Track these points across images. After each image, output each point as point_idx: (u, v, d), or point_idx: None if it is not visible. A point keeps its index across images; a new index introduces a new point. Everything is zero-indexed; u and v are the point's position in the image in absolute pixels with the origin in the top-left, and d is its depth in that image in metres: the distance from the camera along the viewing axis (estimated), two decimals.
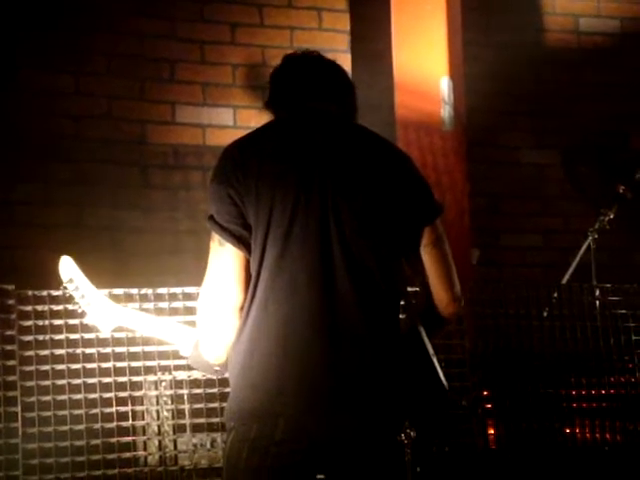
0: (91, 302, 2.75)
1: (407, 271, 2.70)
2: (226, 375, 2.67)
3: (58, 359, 3.95)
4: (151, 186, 5.20)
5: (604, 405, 4.43)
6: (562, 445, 4.38)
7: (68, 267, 2.74)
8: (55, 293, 3.81)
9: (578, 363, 4.47)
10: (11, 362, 3.92)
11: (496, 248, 5.89)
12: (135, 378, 4.03)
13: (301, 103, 2.70)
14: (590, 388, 4.42)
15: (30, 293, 3.96)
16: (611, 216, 5.26)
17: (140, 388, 4.05)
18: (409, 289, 2.73)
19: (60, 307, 3.92)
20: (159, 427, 4.05)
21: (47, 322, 3.96)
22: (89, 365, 3.97)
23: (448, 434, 3.98)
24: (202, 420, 4.05)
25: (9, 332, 3.94)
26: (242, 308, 2.57)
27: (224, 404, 2.63)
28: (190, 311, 3.77)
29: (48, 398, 3.91)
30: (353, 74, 5.27)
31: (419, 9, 5.33)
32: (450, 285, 2.70)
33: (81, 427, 3.93)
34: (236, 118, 5.32)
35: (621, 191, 5.26)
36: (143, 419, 4.05)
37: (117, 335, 3.94)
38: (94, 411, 3.96)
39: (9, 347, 3.93)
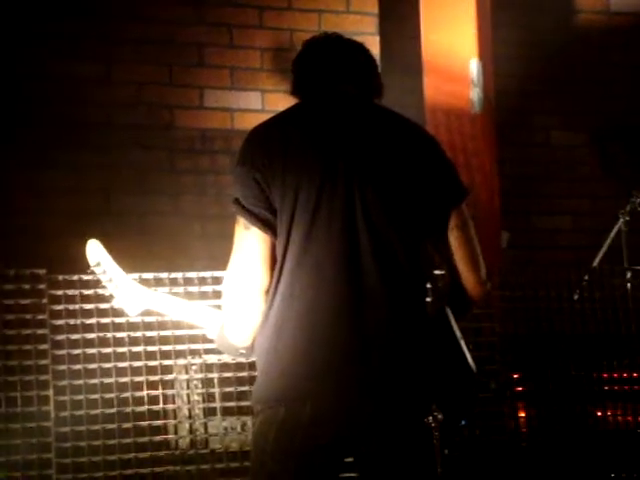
0: (119, 285, 2.75)
1: (433, 255, 2.69)
2: (253, 358, 2.68)
3: (89, 343, 3.98)
4: (179, 171, 5.21)
5: (636, 388, 4.41)
6: (593, 428, 4.36)
7: (95, 250, 2.74)
8: (86, 277, 3.83)
9: (609, 346, 4.44)
10: (43, 346, 3.95)
11: (526, 230, 5.87)
12: (166, 362, 4.05)
13: (325, 87, 2.68)
14: (621, 371, 4.39)
15: (61, 278, 3.99)
16: None
17: (171, 372, 4.07)
18: (436, 272, 2.71)
19: (91, 291, 3.95)
20: (190, 410, 4.07)
21: (78, 306, 3.99)
22: (120, 349, 4.00)
23: (477, 417, 3.98)
24: (232, 403, 4.07)
25: (41, 316, 3.97)
26: (268, 291, 2.57)
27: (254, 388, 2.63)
28: (219, 295, 3.73)
29: (80, 382, 3.95)
30: (381, 57, 5.25)
31: None
32: (476, 268, 2.68)
33: (112, 411, 3.96)
34: (264, 102, 5.31)
35: None
36: (174, 403, 4.07)
37: (147, 319, 3.97)
38: (125, 395, 3.98)
39: (41, 331, 3.96)
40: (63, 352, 3.96)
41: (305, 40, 2.75)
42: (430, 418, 2.50)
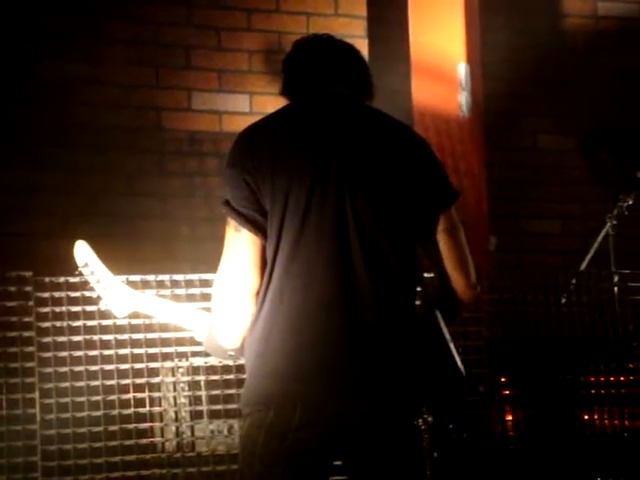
0: (106, 286, 2.74)
1: (423, 258, 2.68)
2: (242, 361, 2.67)
3: (76, 345, 3.96)
4: (167, 173, 5.20)
5: (623, 391, 4.41)
6: (580, 432, 4.37)
7: (83, 251, 2.73)
8: (72, 280, 3.82)
9: (597, 349, 4.45)
10: (29, 348, 3.94)
11: (514, 234, 5.87)
12: (152, 365, 4.04)
13: (315, 88, 2.67)
14: (609, 374, 4.40)
15: (47, 280, 3.98)
16: (630, 202, 5.22)
17: (157, 375, 4.06)
18: (425, 275, 2.71)
19: (77, 294, 3.93)
20: (176, 413, 4.06)
21: (64, 309, 3.98)
22: (107, 352, 3.99)
23: (465, 420, 3.98)
24: (219, 407, 4.06)
25: (27, 319, 3.95)
26: (258, 294, 2.56)
27: (241, 390, 2.62)
28: (207, 298, 3.76)
29: (66, 384, 3.93)
30: (370, 60, 5.21)
31: None
32: (466, 272, 2.68)
33: (99, 413, 3.95)
34: (252, 104, 5.31)
35: None
36: (160, 405, 4.06)
37: (134, 322, 3.96)
38: (111, 397, 3.97)
39: (27, 333, 3.94)
40: (49, 354, 3.94)
41: (296, 40, 2.74)
42: (420, 420, 2.49)
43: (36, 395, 3.90)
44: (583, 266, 5.10)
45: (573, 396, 4.38)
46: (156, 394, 4.06)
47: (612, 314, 4.49)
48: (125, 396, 3.99)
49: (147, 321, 3.95)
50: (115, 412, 3.96)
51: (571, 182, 6.03)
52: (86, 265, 2.73)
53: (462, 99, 5.27)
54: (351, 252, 2.52)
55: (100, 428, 3.94)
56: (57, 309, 3.97)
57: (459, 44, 5.28)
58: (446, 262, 2.66)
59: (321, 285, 2.51)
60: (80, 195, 5.02)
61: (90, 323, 3.97)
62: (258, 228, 2.53)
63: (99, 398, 3.95)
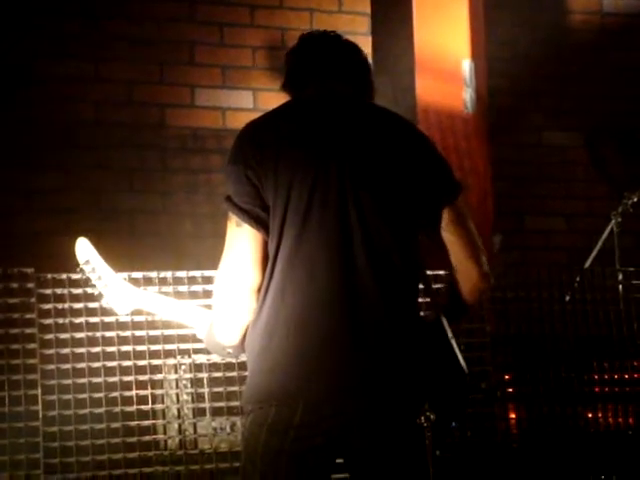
0: (108, 284, 2.73)
1: (433, 253, 2.67)
2: (243, 358, 2.66)
3: (78, 342, 3.95)
4: (170, 170, 5.19)
5: (627, 389, 4.40)
6: (584, 429, 4.35)
7: (85, 249, 2.73)
8: (74, 276, 3.80)
9: (601, 347, 4.43)
10: (31, 345, 3.93)
11: (519, 232, 5.85)
12: (155, 361, 4.03)
13: (318, 83, 2.67)
14: (613, 372, 4.39)
15: (49, 276, 3.97)
16: (635, 199, 5.21)
17: (160, 371, 4.05)
18: (429, 273, 2.70)
19: (79, 290, 3.93)
20: (179, 411, 4.05)
21: (67, 305, 3.97)
22: (109, 348, 3.98)
23: (468, 418, 3.97)
24: (222, 404, 4.05)
25: (29, 315, 3.94)
26: (259, 290, 2.55)
27: (244, 388, 2.61)
28: (209, 294, 3.72)
29: (68, 381, 3.92)
30: (374, 56, 5.23)
31: None
32: (478, 260, 2.66)
33: (101, 410, 3.94)
34: (256, 101, 5.30)
35: None
36: (163, 403, 4.05)
37: (137, 319, 3.95)
38: (114, 394, 3.96)
39: (29, 330, 3.94)
40: (51, 351, 3.93)
41: (301, 35, 2.74)
42: (422, 418, 2.48)
43: (38, 392, 3.90)
44: (587, 264, 5.09)
45: (577, 394, 4.37)
46: (158, 391, 4.05)
47: (616, 312, 4.48)
48: (127, 393, 3.98)
49: (149, 318, 3.94)
50: (117, 409, 3.96)
51: (576, 179, 6.01)
52: (87, 262, 2.72)
53: (466, 96, 5.26)
54: (353, 248, 2.52)
55: (102, 425, 3.93)
56: (59, 306, 3.96)
57: (463, 41, 5.27)
58: (457, 252, 2.64)
59: (323, 281, 2.51)
60: (82, 192, 5.01)
61: (92, 320, 3.96)
62: (260, 223, 2.53)
63: (101, 395, 3.94)
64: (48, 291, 3.97)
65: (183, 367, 4.06)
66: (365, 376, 2.49)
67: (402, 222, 2.58)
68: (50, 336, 3.94)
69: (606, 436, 4.38)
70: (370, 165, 2.57)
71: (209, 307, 2.75)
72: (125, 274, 3.71)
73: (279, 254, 2.53)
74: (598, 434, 4.37)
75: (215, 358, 3.97)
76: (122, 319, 3.87)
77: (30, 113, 4.96)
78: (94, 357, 3.96)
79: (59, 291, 3.97)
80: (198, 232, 5.07)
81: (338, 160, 2.55)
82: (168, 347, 4.04)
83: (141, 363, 4.01)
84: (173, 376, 4.06)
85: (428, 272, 2.70)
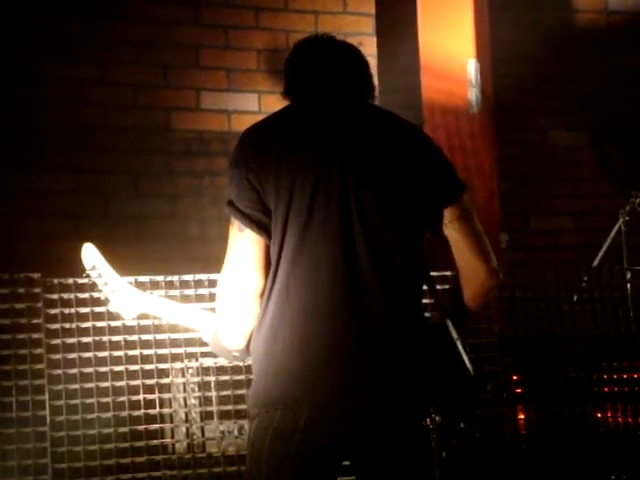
0: (114, 289, 2.73)
1: (439, 253, 2.66)
2: (248, 361, 2.65)
3: (85, 347, 3.95)
4: (176, 173, 5.19)
5: (636, 389, 4.39)
6: (593, 429, 4.34)
7: (91, 254, 2.72)
8: (81, 281, 3.80)
9: (609, 347, 4.42)
10: (38, 350, 3.93)
11: (526, 231, 5.84)
12: (162, 365, 4.03)
13: (317, 87, 2.66)
14: (621, 372, 4.37)
15: (56, 281, 3.97)
16: None
17: (167, 375, 4.05)
18: (433, 274, 2.69)
19: (86, 295, 3.92)
20: (186, 414, 4.05)
21: (73, 310, 3.97)
22: (116, 353, 3.98)
23: (476, 419, 3.96)
24: (229, 407, 4.05)
25: (36, 320, 3.95)
26: (262, 294, 2.54)
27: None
28: (216, 298, 3.75)
29: (75, 386, 3.92)
30: (379, 57, 5.23)
31: None
32: (485, 257, 2.64)
33: (108, 415, 3.94)
34: (261, 103, 5.29)
35: None
36: (170, 407, 4.05)
37: (143, 323, 3.95)
38: (121, 399, 3.96)
39: (36, 335, 3.94)
40: (58, 356, 3.93)
41: (297, 41, 2.73)
42: (428, 420, 2.47)
43: (45, 397, 3.90)
44: (595, 262, 5.08)
45: (586, 394, 4.35)
46: (166, 395, 4.05)
47: (625, 310, 4.46)
48: (135, 397, 3.97)
49: (156, 322, 3.94)
50: (125, 413, 3.95)
51: (582, 178, 6.00)
52: (94, 268, 2.71)
53: (472, 96, 5.25)
54: (356, 249, 2.51)
55: (110, 430, 3.93)
56: (66, 310, 3.96)
57: (469, 41, 5.26)
58: (464, 249, 2.62)
59: (327, 283, 2.50)
60: (89, 196, 5.02)
61: (99, 324, 3.96)
62: (262, 228, 2.52)
63: (109, 399, 3.94)
64: (55, 296, 3.97)
65: (190, 371, 4.06)
66: (370, 377, 2.48)
67: (405, 222, 2.57)
68: (57, 341, 3.94)
69: (615, 436, 4.36)
70: (372, 165, 2.56)
71: (215, 310, 2.74)
72: (132, 278, 3.71)
73: (282, 257, 2.52)
74: (607, 434, 4.36)
75: (222, 361, 3.97)
76: (129, 323, 3.87)
77: (36, 115, 4.97)
78: (101, 361, 3.95)
79: (66, 296, 3.97)
80: (204, 235, 5.07)
81: (340, 161, 2.54)
82: (175, 351, 4.04)
83: (148, 367, 4.01)
84: (180, 380, 4.06)
85: (433, 273, 2.69)
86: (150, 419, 3.98)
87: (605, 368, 4.39)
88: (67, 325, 3.96)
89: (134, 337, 3.99)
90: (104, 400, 3.93)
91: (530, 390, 4.32)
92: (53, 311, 3.96)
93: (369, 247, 2.51)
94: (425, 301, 2.65)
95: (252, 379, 2.61)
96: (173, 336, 4.02)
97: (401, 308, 2.54)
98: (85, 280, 2.76)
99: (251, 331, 2.58)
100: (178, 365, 4.05)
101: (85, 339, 3.96)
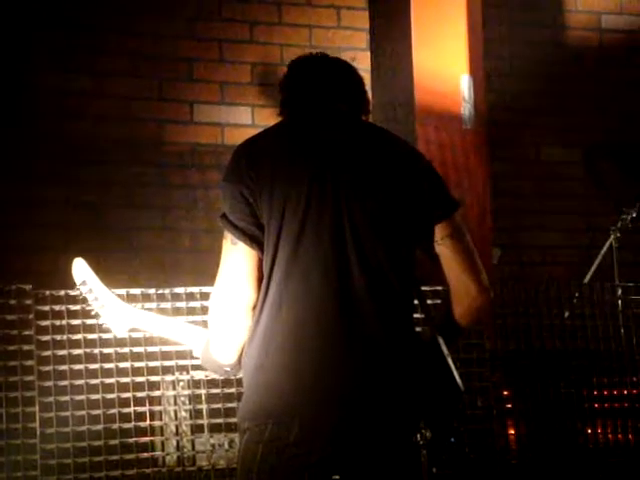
0: (105, 304, 2.73)
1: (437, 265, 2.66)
2: (240, 375, 2.65)
3: (76, 359, 3.95)
4: (170, 185, 5.19)
5: (626, 405, 4.39)
6: (583, 445, 4.34)
7: (81, 269, 2.72)
8: (72, 293, 3.79)
9: (600, 363, 4.42)
10: (29, 362, 3.93)
11: (518, 247, 5.85)
12: (153, 378, 4.03)
13: (312, 104, 2.68)
14: (612, 388, 4.38)
15: (47, 293, 3.97)
16: (634, 214, 5.21)
17: (158, 388, 4.04)
18: (425, 288, 2.70)
19: (77, 307, 3.92)
20: (177, 427, 4.04)
21: (64, 322, 3.97)
22: (107, 365, 3.97)
23: (467, 434, 3.96)
24: (220, 420, 4.04)
25: (27, 332, 3.94)
26: (254, 308, 2.55)
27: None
28: (207, 310, 3.74)
29: (66, 398, 3.92)
30: (372, 72, 5.24)
31: (439, 6, 5.31)
32: (476, 275, 2.65)
33: (99, 427, 3.93)
34: (254, 117, 5.30)
35: None
36: (161, 419, 4.04)
37: (135, 335, 3.93)
38: (112, 411, 3.96)
39: (27, 347, 3.93)
40: (49, 368, 3.93)
41: (291, 61, 2.75)
42: (418, 436, 2.48)
43: (36, 409, 3.89)
44: (587, 279, 5.09)
45: (576, 410, 4.36)
46: (157, 408, 4.04)
47: (615, 327, 4.47)
48: (125, 410, 3.97)
49: (147, 334, 3.92)
50: (115, 426, 3.95)
51: (575, 194, 6.01)
52: (84, 283, 2.72)
53: (465, 111, 5.26)
54: (348, 264, 2.52)
55: (100, 442, 3.92)
56: (57, 322, 3.96)
57: (462, 56, 5.28)
58: (455, 267, 2.63)
59: (319, 299, 2.51)
60: (81, 208, 5.01)
61: (90, 336, 3.96)
62: (255, 241, 2.53)
63: (99, 412, 3.93)
64: (46, 308, 3.97)
65: (181, 383, 4.05)
66: (360, 392, 2.49)
67: (397, 238, 2.58)
68: (48, 353, 3.94)
69: (605, 452, 4.36)
70: (364, 182, 2.58)
71: (207, 323, 2.74)
72: (123, 290, 3.72)
73: (274, 271, 2.53)
74: (597, 450, 4.36)
75: (213, 374, 3.96)
76: (120, 335, 3.86)
77: (29, 127, 4.96)
78: (92, 374, 3.95)
79: (57, 308, 3.97)
80: (197, 247, 5.07)
81: (333, 177, 2.55)
82: (166, 363, 4.04)
83: (139, 379, 4.00)
84: (171, 392, 4.05)
85: (425, 287, 2.70)
86: (141, 432, 3.98)
87: (595, 384, 4.39)
88: (58, 337, 3.96)
89: (125, 349, 3.99)
90: (94, 412, 3.93)
91: (521, 406, 4.32)
92: (44, 323, 3.96)
93: (361, 262, 2.53)
94: (416, 316, 2.66)
95: (243, 392, 2.61)
96: (164, 348, 4.02)
97: (392, 323, 2.54)
98: (76, 292, 2.76)
99: (243, 345, 2.58)
100: (169, 378, 4.05)
101: (76, 351, 3.95)
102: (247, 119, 5.30)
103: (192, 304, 4.06)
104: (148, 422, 4.00)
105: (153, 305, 3.95)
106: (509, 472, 4.25)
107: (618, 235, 5.21)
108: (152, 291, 4.03)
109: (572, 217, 5.99)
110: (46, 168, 4.98)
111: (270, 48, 5.31)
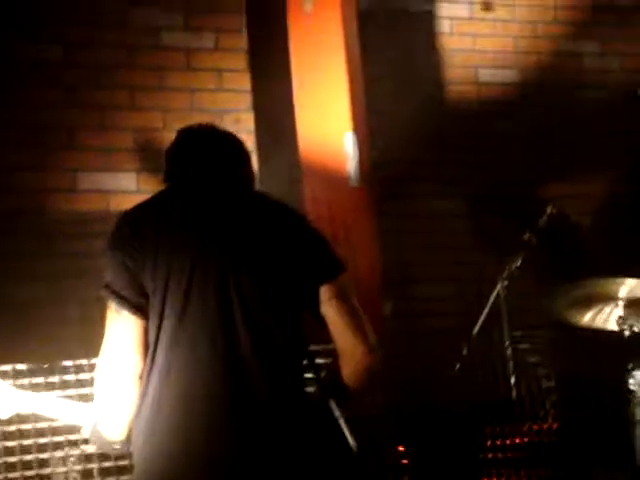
0: None
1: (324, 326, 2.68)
2: (130, 449, 2.62)
3: None
4: (55, 254, 5.11)
5: (520, 454, 4.44)
6: None
7: None
8: None
9: (492, 413, 4.47)
10: None
11: (408, 299, 5.90)
12: (42, 455, 3.93)
13: (198, 174, 2.70)
14: (505, 438, 4.42)
15: None
16: (519, 263, 5.30)
17: (48, 466, 3.94)
18: (313, 348, 2.71)
19: None
20: None
21: None
22: None
23: None
24: None
25: None
26: (141, 377, 2.54)
27: None
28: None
29: None
30: (257, 134, 5.27)
31: (319, 65, 5.36)
32: (363, 336, 2.69)
33: None
34: (139, 183, 5.27)
35: (526, 238, 5.30)
36: None
37: (23, 412, 3.83)
38: None
39: None
40: None
41: (178, 130, 2.78)
42: None
43: None
44: (476, 329, 5.14)
45: (471, 460, 4.39)
46: None
47: (505, 377, 4.53)
48: None
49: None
50: None
51: (464, 246, 6.10)
52: None
53: (351, 169, 5.31)
54: (235, 326, 2.55)
55: None
56: None
57: (345, 114, 5.33)
58: (341, 328, 2.67)
59: (207, 366, 2.52)
60: None
61: None
62: (139, 309, 2.54)
63: None
64: None
65: (72, 459, 3.96)
66: (249, 460, 2.51)
67: (283, 302, 2.62)
68: None
69: None
70: (248, 249, 2.61)
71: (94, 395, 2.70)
72: (9, 366, 3.64)
73: (160, 338, 2.53)
74: None
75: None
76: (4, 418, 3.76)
77: None
78: None
79: None
80: (84, 318, 4.98)
81: (216, 245, 2.58)
82: (56, 439, 3.94)
83: (28, 458, 3.90)
84: (62, 469, 3.96)
85: (316, 347, 2.71)
86: None
87: (489, 434, 4.43)
88: None
89: (12, 428, 3.88)
90: None
91: (416, 460, 4.33)
92: None
93: (246, 321, 2.55)
94: (307, 376, 2.66)
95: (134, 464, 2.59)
96: (54, 424, 3.92)
97: (279, 383, 2.56)
98: None
99: (131, 418, 2.56)
100: (59, 454, 3.96)
101: None
102: (132, 185, 5.26)
103: (82, 376, 3.98)
104: None
105: (40, 379, 3.87)
106: None
107: (506, 283, 5.29)
108: (38, 366, 3.95)
109: (463, 267, 6.07)
110: None
111: (151, 113, 5.30)
